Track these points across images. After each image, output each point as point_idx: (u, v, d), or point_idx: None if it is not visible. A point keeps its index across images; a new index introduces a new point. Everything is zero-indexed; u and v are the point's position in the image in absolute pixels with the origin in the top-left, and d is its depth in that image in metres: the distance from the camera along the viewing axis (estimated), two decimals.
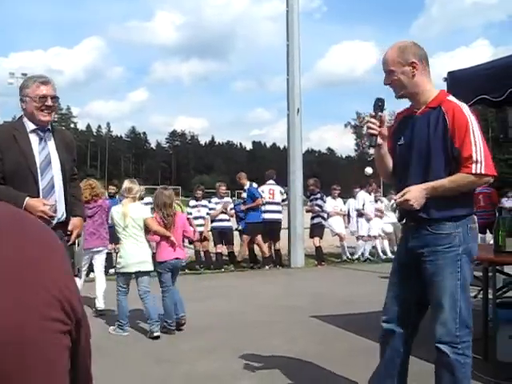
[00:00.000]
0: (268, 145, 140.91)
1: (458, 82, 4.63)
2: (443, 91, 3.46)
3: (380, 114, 3.38)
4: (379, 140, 3.38)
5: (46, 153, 3.96)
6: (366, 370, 3.89)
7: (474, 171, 3.09)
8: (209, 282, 10.07)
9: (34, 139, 3.94)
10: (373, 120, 3.36)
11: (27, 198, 3.75)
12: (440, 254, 3.23)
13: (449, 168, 3.17)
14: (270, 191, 11.99)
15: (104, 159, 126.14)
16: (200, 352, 5.34)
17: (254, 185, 12.26)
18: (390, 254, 12.92)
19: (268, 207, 11.87)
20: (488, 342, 4.83)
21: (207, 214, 12.03)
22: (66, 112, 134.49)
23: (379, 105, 3.41)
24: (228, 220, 12.28)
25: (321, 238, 12.72)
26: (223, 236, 12.10)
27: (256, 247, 12.17)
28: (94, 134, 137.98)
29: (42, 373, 0.87)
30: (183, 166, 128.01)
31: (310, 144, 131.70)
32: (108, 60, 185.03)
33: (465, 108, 3.23)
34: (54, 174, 3.96)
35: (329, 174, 70.53)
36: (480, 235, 12.36)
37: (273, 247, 12.16)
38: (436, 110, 3.26)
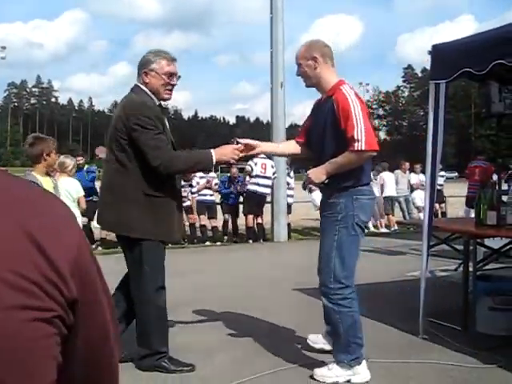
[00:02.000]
0: (252, 119, 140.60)
1: (442, 55, 4.61)
2: (339, 81, 3.89)
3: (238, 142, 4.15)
4: (257, 150, 4.28)
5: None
6: None
7: (355, 148, 3.62)
8: (192, 256, 10.09)
9: None
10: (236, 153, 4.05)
11: (212, 150, 3.98)
12: (324, 219, 3.97)
13: (341, 148, 3.69)
14: (263, 165, 11.87)
15: (87, 134, 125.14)
16: (177, 325, 5.33)
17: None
18: (371, 228, 13.02)
19: (258, 180, 11.79)
20: (468, 313, 4.91)
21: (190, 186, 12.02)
22: (47, 86, 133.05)
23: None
24: (212, 195, 12.28)
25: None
26: (207, 210, 12.13)
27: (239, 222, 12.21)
28: (76, 108, 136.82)
29: (12, 364, 0.77)
30: None
31: (294, 119, 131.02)
32: (89, 33, 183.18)
33: (350, 95, 3.73)
34: None
35: None
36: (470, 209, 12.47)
37: (255, 221, 12.16)
38: (330, 98, 3.80)
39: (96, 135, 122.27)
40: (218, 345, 4.74)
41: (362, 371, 3.86)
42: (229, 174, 12.56)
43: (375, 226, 14.16)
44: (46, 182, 5.14)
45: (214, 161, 3.92)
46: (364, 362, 3.89)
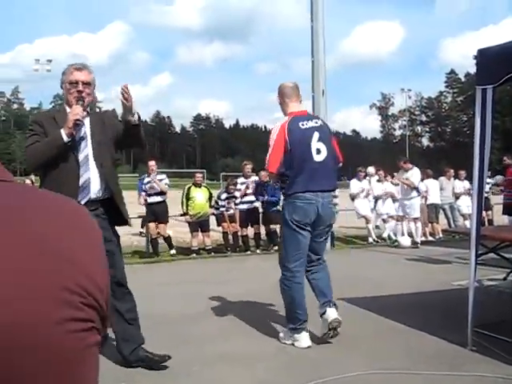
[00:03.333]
0: None
1: (489, 59, 4.51)
2: (290, 113, 5.08)
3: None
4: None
5: (80, 134, 4.11)
6: (389, 351, 3.88)
7: (266, 167, 5.12)
8: (235, 265, 10.06)
9: None
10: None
11: (61, 129, 3.97)
12: (281, 218, 5.19)
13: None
14: None
15: None
16: (221, 332, 5.37)
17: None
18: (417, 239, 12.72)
19: None
20: None
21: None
22: None
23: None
24: (254, 201, 12.20)
25: None
26: (249, 216, 12.07)
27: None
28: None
29: (59, 373, 0.81)
30: (208, 150, 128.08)
31: (335, 126, 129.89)
32: (132, 45, 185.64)
33: (276, 125, 5.05)
34: (89, 152, 4.12)
35: (354, 156, 69.97)
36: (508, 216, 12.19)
37: None
38: None
39: None
40: (264, 354, 4.71)
41: (302, 340, 4.90)
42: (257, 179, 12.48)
43: (425, 234, 13.86)
44: None
45: (64, 131, 3.93)
46: (304, 332, 4.92)
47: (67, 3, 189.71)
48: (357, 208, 13.35)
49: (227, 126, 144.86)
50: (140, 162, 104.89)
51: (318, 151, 4.91)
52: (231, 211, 12.03)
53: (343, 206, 14.10)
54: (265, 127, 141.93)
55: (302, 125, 4.92)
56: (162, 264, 10.51)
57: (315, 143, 4.91)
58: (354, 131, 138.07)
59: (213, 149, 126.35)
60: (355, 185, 13.48)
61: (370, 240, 13.33)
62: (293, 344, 4.91)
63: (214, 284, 7.99)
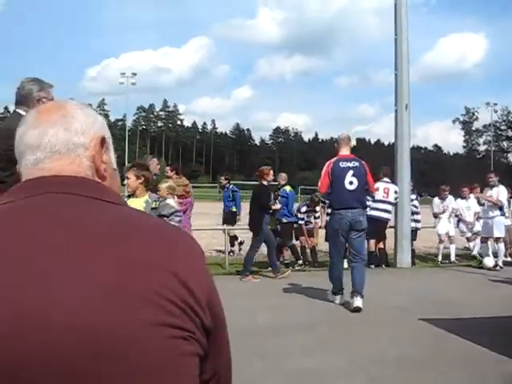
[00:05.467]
0: (372, 141, 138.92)
1: None
2: (338, 155, 7.70)
3: None
4: None
5: None
6: (463, 377, 3.72)
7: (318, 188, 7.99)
8: (313, 280, 9.97)
9: None
10: None
11: None
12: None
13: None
14: (385, 190, 11.63)
15: (209, 155, 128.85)
16: (305, 348, 5.32)
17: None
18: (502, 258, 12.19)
19: (379, 205, 11.52)
20: None
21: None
22: (173, 109, 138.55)
23: None
24: None
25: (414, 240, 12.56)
26: None
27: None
28: (200, 130, 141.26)
29: (151, 377, 0.86)
30: (286, 163, 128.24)
31: (416, 141, 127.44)
32: (214, 58, 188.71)
33: (328, 162, 7.68)
34: None
35: (435, 172, 68.39)
36: None
37: (377, 246, 11.88)
38: None
39: (218, 156, 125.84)
40: (345, 371, 4.64)
41: (337, 299, 7.51)
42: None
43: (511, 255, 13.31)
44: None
45: None
46: (340, 295, 7.50)
47: (153, 19, 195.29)
48: (438, 227, 13.03)
49: (306, 139, 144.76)
50: (219, 174, 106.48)
51: (351, 183, 7.31)
52: (310, 225, 12.00)
53: (426, 224, 13.74)
54: None
55: (342, 164, 7.44)
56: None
57: (349, 177, 7.32)
58: (435, 146, 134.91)
59: (291, 162, 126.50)
60: (437, 204, 13.18)
61: (452, 259, 12.91)
62: (333, 302, 7.50)
63: (292, 298, 7.97)
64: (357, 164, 7.47)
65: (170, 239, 0.98)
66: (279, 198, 11.31)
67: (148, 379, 0.85)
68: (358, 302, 7.01)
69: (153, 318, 0.86)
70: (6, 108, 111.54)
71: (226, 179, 13.77)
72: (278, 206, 10.43)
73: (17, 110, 4.07)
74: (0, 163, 3.78)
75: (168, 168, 9.88)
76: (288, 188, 11.89)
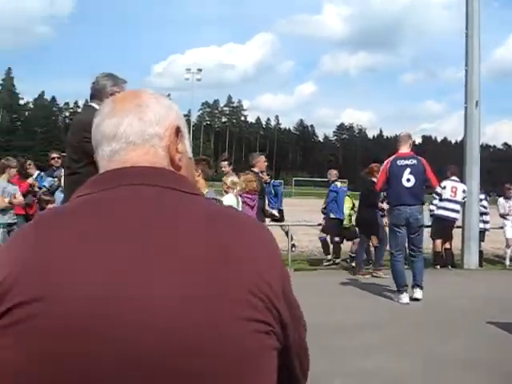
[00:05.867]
0: (439, 139, 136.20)
1: None
2: (397, 153, 7.84)
3: None
4: None
5: None
6: None
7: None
8: (371, 279, 9.83)
9: None
10: None
11: None
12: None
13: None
14: (453, 189, 11.33)
15: (272, 151, 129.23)
16: (367, 348, 5.26)
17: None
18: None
19: (446, 204, 11.23)
20: None
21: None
22: (237, 105, 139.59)
23: None
24: None
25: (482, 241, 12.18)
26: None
27: None
28: (264, 126, 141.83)
29: (240, 372, 0.87)
30: (350, 160, 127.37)
31: (485, 139, 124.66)
32: (278, 54, 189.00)
33: (387, 160, 7.89)
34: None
35: (504, 171, 66.34)
36: None
37: (443, 246, 11.59)
38: None
39: (282, 152, 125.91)
40: (406, 374, 4.55)
41: (403, 298, 7.36)
42: None
43: None
44: None
45: None
46: (405, 293, 7.38)
47: (217, 15, 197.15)
48: (505, 230, 12.62)
49: (370, 135, 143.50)
50: (281, 170, 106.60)
51: (408, 180, 7.49)
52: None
53: (494, 224, 13.31)
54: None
55: (399, 162, 7.64)
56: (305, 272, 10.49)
57: (406, 175, 7.51)
58: (505, 144, 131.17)
59: (355, 159, 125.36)
60: (502, 204, 12.79)
61: None
62: (398, 301, 7.38)
63: (352, 296, 7.89)
64: (414, 162, 7.66)
65: (250, 231, 0.98)
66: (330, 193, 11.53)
67: (232, 373, 0.86)
68: (418, 293, 7.44)
69: (239, 313, 0.87)
70: (75, 103, 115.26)
71: (267, 174, 13.53)
72: (384, 205, 10.26)
73: (90, 103, 4.15)
74: (75, 155, 3.90)
75: (226, 163, 9.78)
76: (339, 183, 11.85)
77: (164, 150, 1.06)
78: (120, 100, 1.10)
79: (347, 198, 11.79)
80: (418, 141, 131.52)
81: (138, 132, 1.04)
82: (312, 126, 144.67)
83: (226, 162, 10.06)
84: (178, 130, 1.09)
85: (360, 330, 5.91)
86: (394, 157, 7.80)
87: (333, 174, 12.02)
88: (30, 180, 8.94)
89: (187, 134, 1.15)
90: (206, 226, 0.92)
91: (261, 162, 9.23)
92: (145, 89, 1.15)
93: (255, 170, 9.21)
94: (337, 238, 11.62)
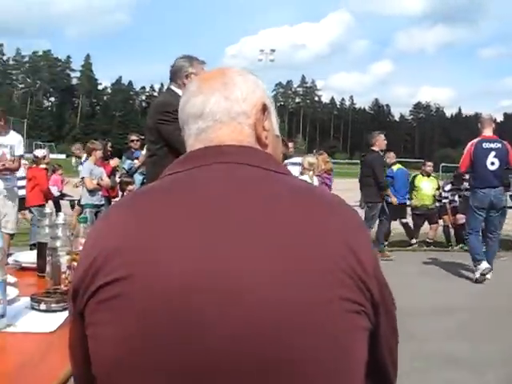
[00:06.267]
0: None
1: None
2: (481, 136, 7.75)
3: None
4: None
5: None
6: None
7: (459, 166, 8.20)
8: (456, 259, 9.57)
9: None
10: None
11: None
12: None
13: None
14: None
15: (347, 132, 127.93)
16: (445, 332, 5.17)
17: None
18: None
19: None
20: None
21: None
22: (311, 85, 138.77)
23: None
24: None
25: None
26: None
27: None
28: (338, 106, 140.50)
29: (333, 355, 0.85)
30: (427, 139, 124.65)
31: None
32: (351, 33, 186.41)
33: (471, 142, 7.82)
34: None
35: None
36: None
37: None
38: None
39: (356, 133, 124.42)
40: (488, 359, 4.41)
41: (481, 268, 7.43)
42: None
43: None
44: None
45: None
46: (482, 264, 7.44)
47: None
48: None
49: (448, 114, 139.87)
50: (356, 150, 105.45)
51: (492, 163, 7.50)
52: (455, 204, 11.46)
53: None
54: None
55: (484, 145, 7.58)
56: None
57: (491, 158, 7.49)
58: None
59: (432, 138, 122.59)
60: None
61: None
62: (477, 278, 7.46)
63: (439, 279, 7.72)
64: (499, 145, 7.68)
65: (339, 209, 0.97)
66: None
67: (323, 354, 0.84)
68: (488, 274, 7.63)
69: (331, 292, 0.85)
70: (151, 87, 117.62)
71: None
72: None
73: (170, 86, 4.18)
74: (152, 137, 3.94)
75: (291, 144, 9.57)
76: (395, 167, 11.17)
77: (250, 127, 1.05)
78: (206, 78, 1.09)
79: (432, 178, 11.41)
80: (500, 119, 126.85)
81: (225, 110, 1.04)
82: (387, 105, 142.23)
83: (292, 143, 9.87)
84: (264, 107, 1.07)
85: (437, 314, 5.79)
86: (478, 139, 7.76)
87: (391, 156, 11.33)
88: (113, 162, 9.12)
89: (274, 111, 1.13)
90: (296, 203, 0.91)
91: (380, 140, 9.03)
92: (230, 67, 1.14)
93: (375, 148, 9.04)
94: (404, 220, 11.32)
